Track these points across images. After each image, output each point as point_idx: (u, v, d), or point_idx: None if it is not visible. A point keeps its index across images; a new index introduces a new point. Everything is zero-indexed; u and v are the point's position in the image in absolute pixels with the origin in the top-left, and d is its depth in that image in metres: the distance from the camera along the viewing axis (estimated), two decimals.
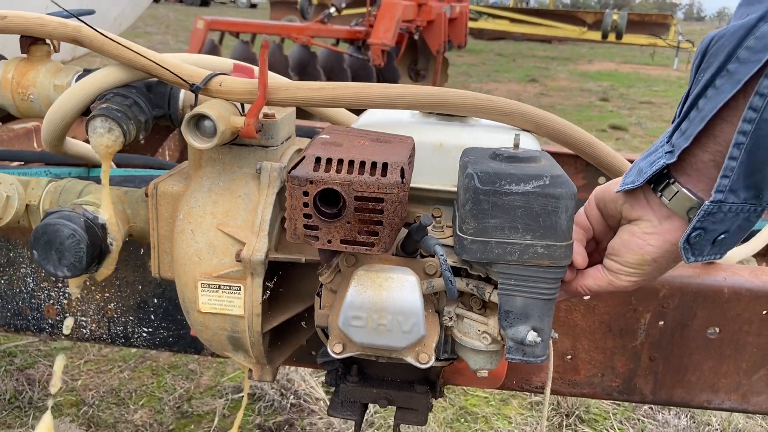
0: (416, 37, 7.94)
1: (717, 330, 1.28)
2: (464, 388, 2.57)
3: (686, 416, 2.40)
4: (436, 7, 7.51)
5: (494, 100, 0.92)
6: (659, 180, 0.68)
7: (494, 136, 0.90)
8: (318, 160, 0.74)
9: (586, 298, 1.28)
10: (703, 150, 0.63)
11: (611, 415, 2.44)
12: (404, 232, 0.83)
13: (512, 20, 15.43)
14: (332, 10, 7.16)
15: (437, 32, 7.52)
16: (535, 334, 0.75)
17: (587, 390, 1.37)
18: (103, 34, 0.89)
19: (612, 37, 12.85)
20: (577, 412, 2.41)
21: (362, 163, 0.73)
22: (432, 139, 0.90)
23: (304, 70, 6.85)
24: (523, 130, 0.95)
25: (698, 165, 0.64)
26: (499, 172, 0.72)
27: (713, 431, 2.36)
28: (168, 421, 2.30)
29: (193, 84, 0.88)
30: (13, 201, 0.97)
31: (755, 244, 1.47)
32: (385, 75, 7.28)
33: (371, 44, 6.62)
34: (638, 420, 2.43)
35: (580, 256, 0.76)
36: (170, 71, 0.88)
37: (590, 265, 0.79)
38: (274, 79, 0.96)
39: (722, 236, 0.65)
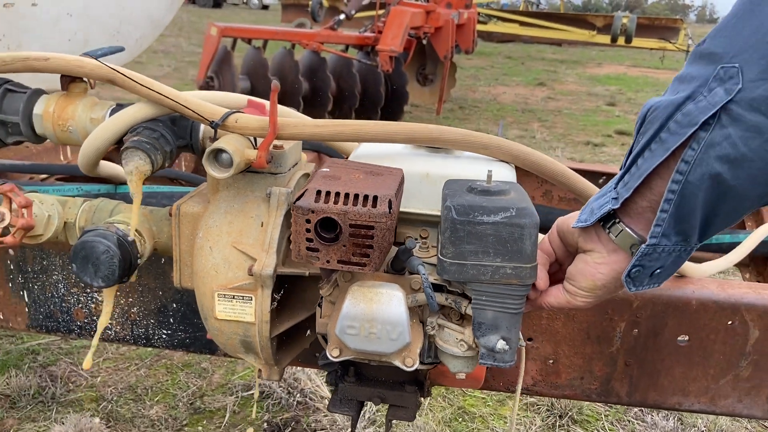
0: (425, 42, 8.06)
1: (686, 338, 1.39)
2: (463, 390, 2.69)
3: (674, 418, 2.51)
4: (444, 14, 7.62)
5: (476, 135, 1.04)
6: (607, 218, 0.80)
7: (474, 167, 1.03)
8: (319, 192, 0.87)
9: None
10: (641, 198, 0.76)
11: (603, 416, 2.56)
12: (395, 250, 0.96)
13: (522, 23, 15.50)
14: (342, 16, 7.29)
15: (445, 38, 7.63)
16: (504, 342, 0.88)
17: (568, 392, 1.49)
18: (133, 79, 1.02)
19: (621, 40, 12.90)
20: (570, 413, 2.53)
21: (356, 196, 0.86)
22: (421, 169, 1.03)
23: (314, 74, 6.99)
24: (501, 160, 1.07)
25: (638, 209, 0.77)
26: (473, 205, 0.85)
27: None
28: (182, 416, 2.44)
29: (213, 121, 1.01)
30: (53, 219, 1.11)
31: (733, 257, 1.58)
32: (393, 80, 7.41)
33: (379, 51, 6.74)
34: (629, 421, 2.54)
35: (542, 279, 0.88)
36: (193, 110, 1.01)
37: (554, 282, 0.92)
38: (284, 115, 1.09)
39: (658, 270, 0.78)
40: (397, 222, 1.01)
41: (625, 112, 9.78)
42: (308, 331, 1.18)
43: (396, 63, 7.01)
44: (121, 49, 1.26)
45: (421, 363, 0.96)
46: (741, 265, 2.05)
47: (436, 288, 0.93)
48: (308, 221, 0.86)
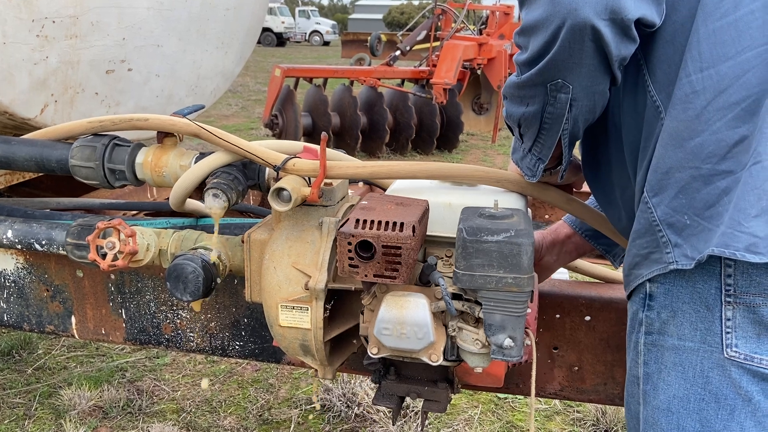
0: (479, 72, 8.28)
1: None
2: (513, 405, 2.83)
3: None
4: (497, 45, 7.84)
5: (489, 171, 1.25)
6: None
7: (487, 197, 1.23)
8: (358, 221, 1.09)
9: (587, 318, 1.57)
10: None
11: None
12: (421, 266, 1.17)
13: None
14: (398, 53, 7.63)
15: (498, 68, 7.84)
16: (510, 340, 1.07)
17: (593, 396, 1.64)
18: (213, 133, 1.29)
19: None
20: (615, 428, 2.63)
21: (387, 223, 1.08)
22: (444, 200, 1.24)
23: (372, 109, 7.32)
24: (510, 191, 1.27)
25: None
26: (481, 227, 1.05)
27: None
28: (252, 426, 2.69)
29: (275, 165, 1.26)
30: (152, 248, 1.38)
31: None
32: (448, 110, 7.66)
33: (434, 83, 7.02)
34: None
35: None
36: (259, 157, 1.26)
37: None
38: (332, 158, 1.33)
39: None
40: (425, 244, 1.22)
41: None
42: (354, 339, 1.40)
43: (450, 94, 7.26)
44: (203, 107, 1.55)
45: (446, 360, 1.16)
46: None
47: (455, 297, 1.13)
48: (350, 243, 1.09)
